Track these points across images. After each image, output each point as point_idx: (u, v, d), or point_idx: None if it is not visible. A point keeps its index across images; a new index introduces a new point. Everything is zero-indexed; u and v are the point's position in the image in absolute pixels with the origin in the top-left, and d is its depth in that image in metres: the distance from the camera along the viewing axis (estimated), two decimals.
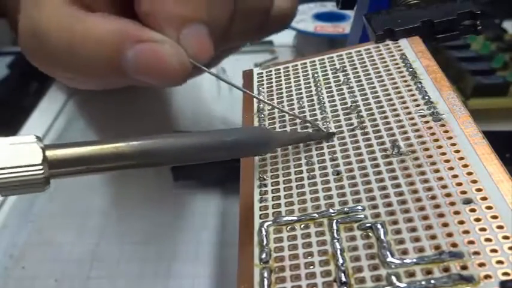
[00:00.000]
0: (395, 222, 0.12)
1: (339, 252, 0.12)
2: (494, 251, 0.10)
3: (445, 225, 0.11)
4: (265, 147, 0.14)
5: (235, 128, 0.16)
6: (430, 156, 0.13)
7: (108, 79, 0.18)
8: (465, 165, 0.12)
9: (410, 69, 0.16)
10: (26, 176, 0.11)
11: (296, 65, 0.19)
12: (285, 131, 0.16)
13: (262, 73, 0.19)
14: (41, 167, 0.11)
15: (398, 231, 0.12)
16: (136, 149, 0.12)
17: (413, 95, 0.15)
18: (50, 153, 0.11)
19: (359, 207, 0.12)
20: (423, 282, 0.10)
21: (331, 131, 0.15)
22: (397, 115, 0.15)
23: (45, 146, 0.11)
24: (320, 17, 0.33)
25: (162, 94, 0.29)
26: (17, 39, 0.26)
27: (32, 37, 0.17)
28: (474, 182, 0.12)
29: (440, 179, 0.12)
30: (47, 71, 0.19)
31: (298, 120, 0.16)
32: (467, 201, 0.12)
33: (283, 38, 0.33)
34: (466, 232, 0.11)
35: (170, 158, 0.13)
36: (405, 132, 0.14)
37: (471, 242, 0.11)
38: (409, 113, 0.15)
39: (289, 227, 0.13)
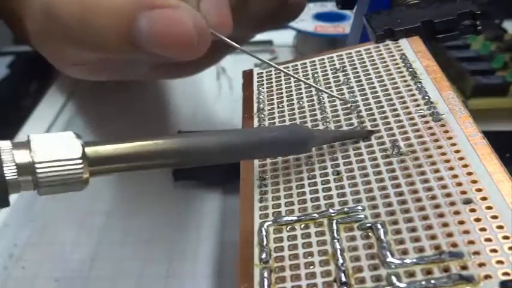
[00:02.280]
0: (395, 222, 0.12)
1: (339, 252, 0.12)
2: (494, 251, 0.10)
3: (445, 225, 0.11)
4: (304, 147, 0.14)
5: (275, 126, 0.15)
6: (430, 156, 0.13)
7: (122, 54, 0.17)
8: (465, 165, 0.12)
9: (410, 69, 0.16)
10: (66, 172, 0.11)
11: (296, 65, 0.19)
12: (324, 129, 0.15)
13: (262, 73, 0.19)
14: (81, 164, 0.11)
15: (398, 231, 0.12)
16: (177, 147, 0.12)
17: (413, 95, 0.15)
18: (89, 150, 0.11)
19: (359, 207, 0.12)
20: (423, 282, 0.10)
21: (369, 129, 0.15)
22: (397, 115, 0.15)
23: (85, 143, 0.11)
24: (320, 17, 0.33)
25: (162, 94, 0.29)
26: (17, 37, 0.25)
27: (43, 16, 0.16)
28: (474, 182, 0.12)
29: (440, 179, 0.12)
30: (59, 54, 0.18)
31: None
32: (467, 201, 0.12)
33: (283, 38, 0.33)
34: (466, 232, 0.11)
35: (210, 157, 0.13)
36: (405, 132, 0.14)
37: (471, 242, 0.11)
38: (409, 113, 0.15)
39: (289, 227, 0.13)
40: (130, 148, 0.11)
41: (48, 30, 0.17)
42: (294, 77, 0.17)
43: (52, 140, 0.11)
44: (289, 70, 0.18)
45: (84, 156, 0.11)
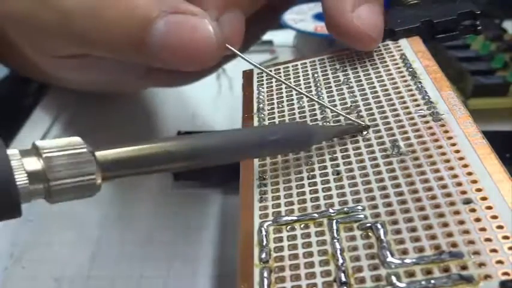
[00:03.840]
0: (395, 222, 0.12)
1: (338, 252, 0.12)
2: (494, 251, 0.10)
3: (445, 225, 0.11)
4: (306, 144, 0.14)
5: (277, 125, 0.15)
6: (430, 156, 0.13)
7: (125, 56, 0.16)
8: (465, 165, 0.12)
9: (410, 69, 0.16)
10: (79, 183, 0.10)
11: (296, 65, 0.19)
12: (324, 125, 0.15)
13: (262, 73, 0.19)
14: (94, 176, 0.10)
15: (398, 231, 0.12)
16: (185, 149, 0.12)
17: (413, 95, 0.15)
18: (100, 156, 0.11)
19: (359, 207, 0.12)
20: (423, 282, 0.10)
21: (366, 123, 0.15)
22: (397, 115, 0.15)
23: (94, 149, 0.11)
24: (320, 17, 0.33)
25: (162, 93, 0.29)
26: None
27: (50, 10, 0.15)
28: (474, 182, 0.12)
29: (440, 179, 0.12)
30: (40, 42, 0.17)
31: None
32: (467, 201, 0.12)
33: (283, 38, 0.33)
34: (466, 232, 0.11)
35: (218, 157, 0.12)
36: (405, 132, 0.14)
37: (471, 242, 0.11)
38: (409, 113, 0.15)
39: (289, 226, 0.13)
40: (139, 152, 0.11)
41: (39, 16, 0.16)
42: (292, 87, 0.17)
43: (61, 147, 0.10)
44: (289, 70, 0.18)
45: (96, 163, 0.11)
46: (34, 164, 0.10)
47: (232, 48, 0.15)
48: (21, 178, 0.10)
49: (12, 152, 0.10)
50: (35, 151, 0.10)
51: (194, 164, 0.12)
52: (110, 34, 0.15)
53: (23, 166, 0.10)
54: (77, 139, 0.11)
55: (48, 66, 0.20)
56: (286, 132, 0.14)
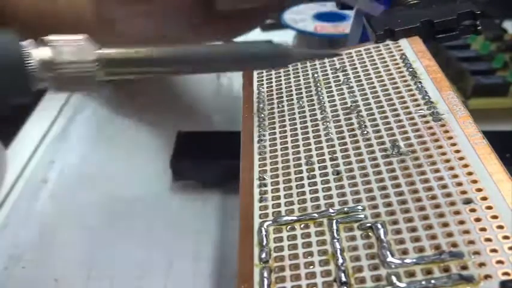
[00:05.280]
0: (395, 222, 0.12)
1: (338, 252, 0.12)
2: (494, 251, 0.10)
3: (445, 225, 0.11)
4: (283, 61, 0.16)
5: (258, 41, 0.17)
6: (430, 156, 0.13)
7: None
8: (465, 165, 0.12)
9: (411, 69, 0.16)
10: (82, 70, 0.12)
11: (296, 65, 0.19)
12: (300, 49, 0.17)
13: (262, 73, 0.19)
14: (95, 65, 0.12)
15: (398, 231, 0.12)
16: (176, 54, 0.14)
17: (413, 95, 0.15)
18: (103, 52, 0.13)
19: (359, 207, 0.12)
20: (423, 282, 0.10)
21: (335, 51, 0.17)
22: (397, 115, 0.15)
23: (99, 47, 0.13)
24: (320, 17, 0.33)
25: (162, 93, 0.29)
26: None
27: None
28: (474, 182, 0.12)
29: (440, 179, 0.12)
30: None
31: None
32: (467, 201, 0.12)
33: (283, 38, 0.33)
34: (466, 232, 0.11)
35: (200, 65, 0.15)
36: (405, 132, 0.14)
37: (471, 242, 0.11)
38: (409, 113, 0.15)
39: (289, 226, 0.13)
40: (136, 53, 0.13)
41: None
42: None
43: (69, 39, 0.12)
44: (289, 70, 0.18)
45: (98, 58, 0.13)
46: (43, 52, 0.12)
47: None
48: (31, 63, 0.12)
49: (24, 43, 0.12)
50: (45, 43, 0.12)
51: (174, 70, 0.15)
52: None
53: (33, 54, 0.12)
54: (83, 35, 0.13)
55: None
56: (266, 49, 0.16)
